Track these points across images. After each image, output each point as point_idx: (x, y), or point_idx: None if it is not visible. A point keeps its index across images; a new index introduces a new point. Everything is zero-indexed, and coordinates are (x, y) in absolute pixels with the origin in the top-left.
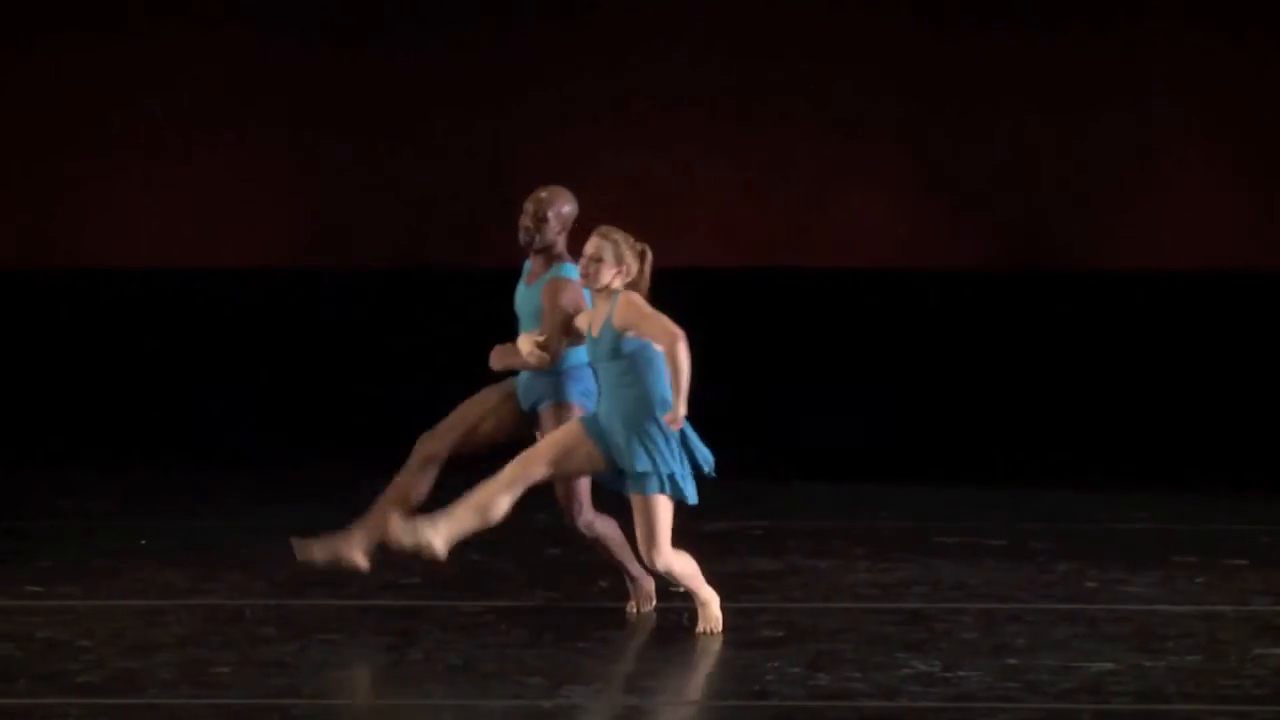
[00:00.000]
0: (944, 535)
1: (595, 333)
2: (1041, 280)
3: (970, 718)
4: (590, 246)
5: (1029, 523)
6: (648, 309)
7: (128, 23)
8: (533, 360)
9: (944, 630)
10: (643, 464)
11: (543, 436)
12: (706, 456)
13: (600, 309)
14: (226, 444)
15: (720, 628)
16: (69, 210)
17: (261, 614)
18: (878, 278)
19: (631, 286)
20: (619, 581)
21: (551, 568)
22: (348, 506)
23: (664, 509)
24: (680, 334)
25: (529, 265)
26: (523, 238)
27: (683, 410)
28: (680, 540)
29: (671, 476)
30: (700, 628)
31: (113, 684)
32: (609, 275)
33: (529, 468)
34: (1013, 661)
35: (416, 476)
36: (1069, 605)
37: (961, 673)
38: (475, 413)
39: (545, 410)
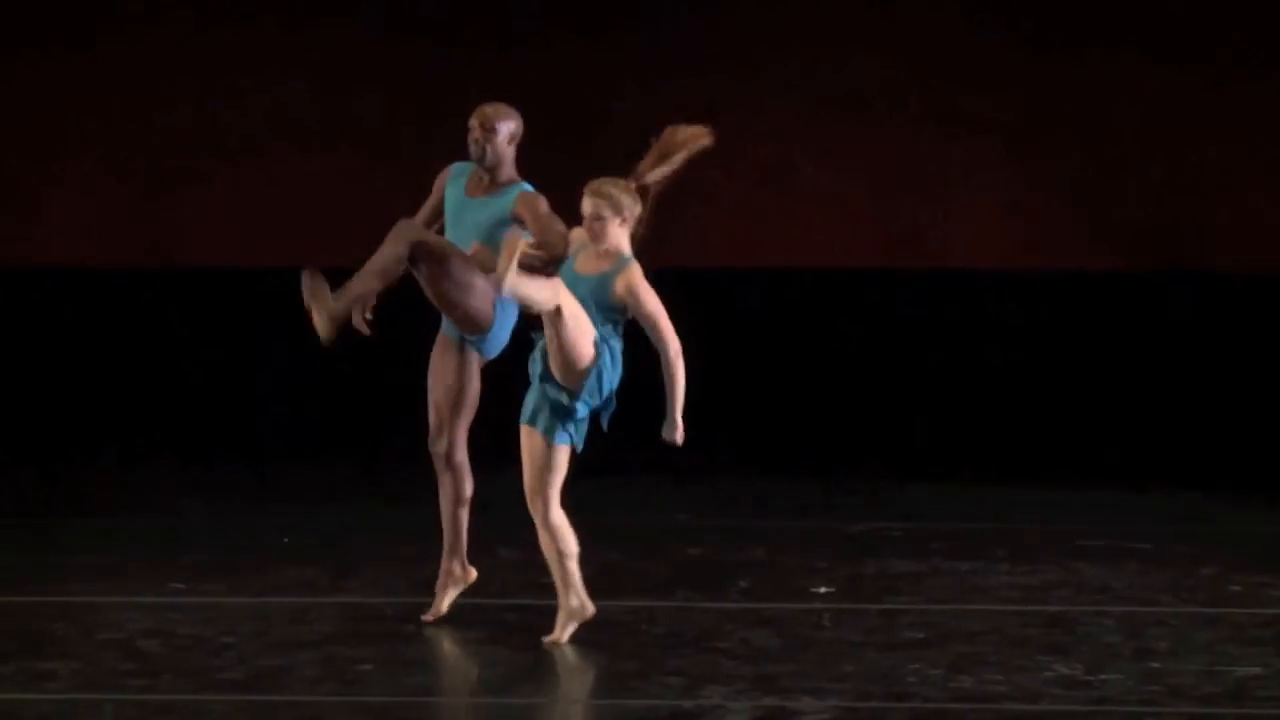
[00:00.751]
0: (1086, 538)
1: (588, 272)
2: (1168, 280)
3: None
4: (587, 206)
5: (1172, 525)
6: (655, 305)
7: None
8: (539, 260)
9: (1086, 633)
10: (535, 404)
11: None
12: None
13: (602, 259)
14: (363, 442)
15: (566, 639)
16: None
17: (403, 612)
18: (1001, 278)
19: (637, 230)
20: (761, 581)
21: (691, 567)
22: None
23: (554, 458)
24: (680, 349)
25: (466, 172)
26: (473, 152)
27: (680, 423)
28: (820, 539)
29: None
30: (552, 635)
31: (255, 681)
32: (616, 229)
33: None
34: (1155, 665)
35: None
36: (1212, 609)
37: (1103, 676)
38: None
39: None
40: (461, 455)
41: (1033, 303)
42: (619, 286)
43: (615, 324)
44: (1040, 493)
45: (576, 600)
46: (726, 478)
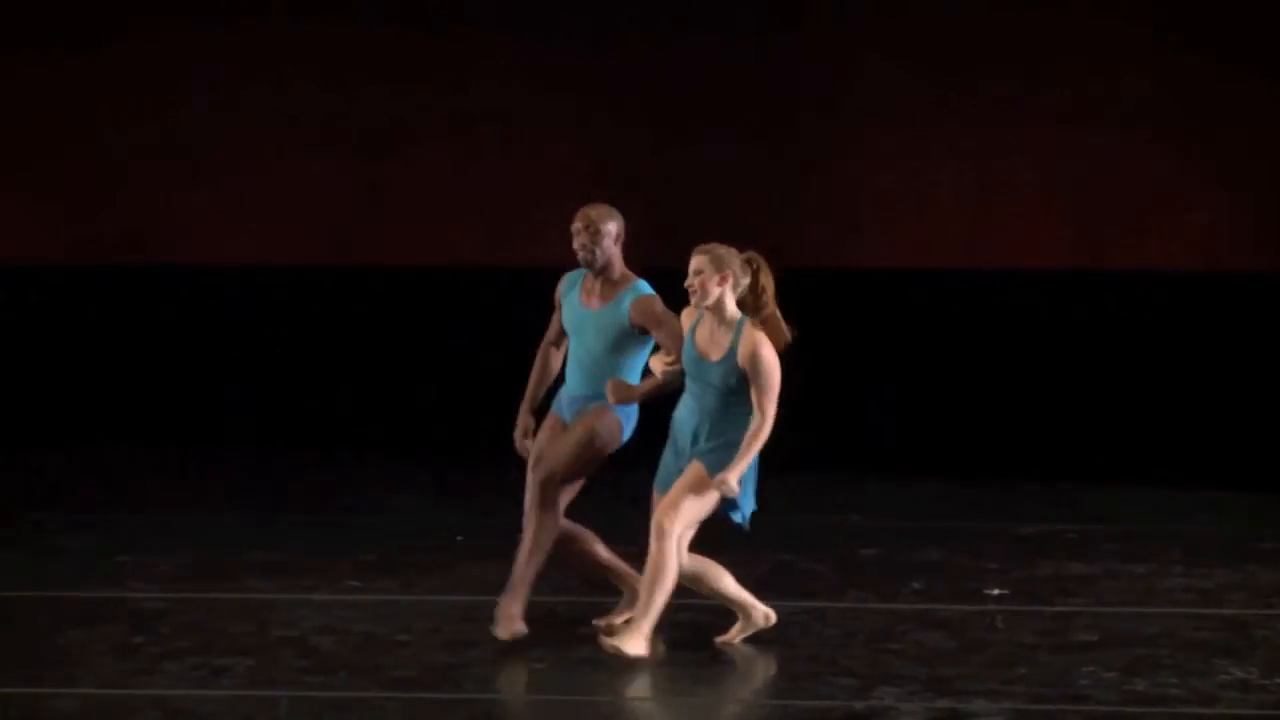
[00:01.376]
0: (1262, 541)
1: (711, 357)
2: None
3: None
4: (692, 263)
5: None
6: (774, 375)
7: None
8: (668, 378)
9: (1263, 637)
10: (711, 452)
11: (557, 435)
12: (747, 511)
13: (718, 333)
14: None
15: (622, 653)
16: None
17: (575, 611)
18: (1174, 280)
19: (748, 301)
20: (934, 582)
21: (865, 568)
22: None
23: (707, 494)
24: (771, 421)
25: (579, 283)
26: (582, 258)
27: (734, 476)
28: (993, 541)
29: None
30: (605, 642)
31: (429, 678)
32: (714, 287)
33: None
34: None
35: (577, 540)
36: None
37: (1279, 680)
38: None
39: (591, 410)
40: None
41: (1213, 305)
42: (743, 359)
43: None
44: (1215, 495)
45: (654, 614)
46: (901, 479)
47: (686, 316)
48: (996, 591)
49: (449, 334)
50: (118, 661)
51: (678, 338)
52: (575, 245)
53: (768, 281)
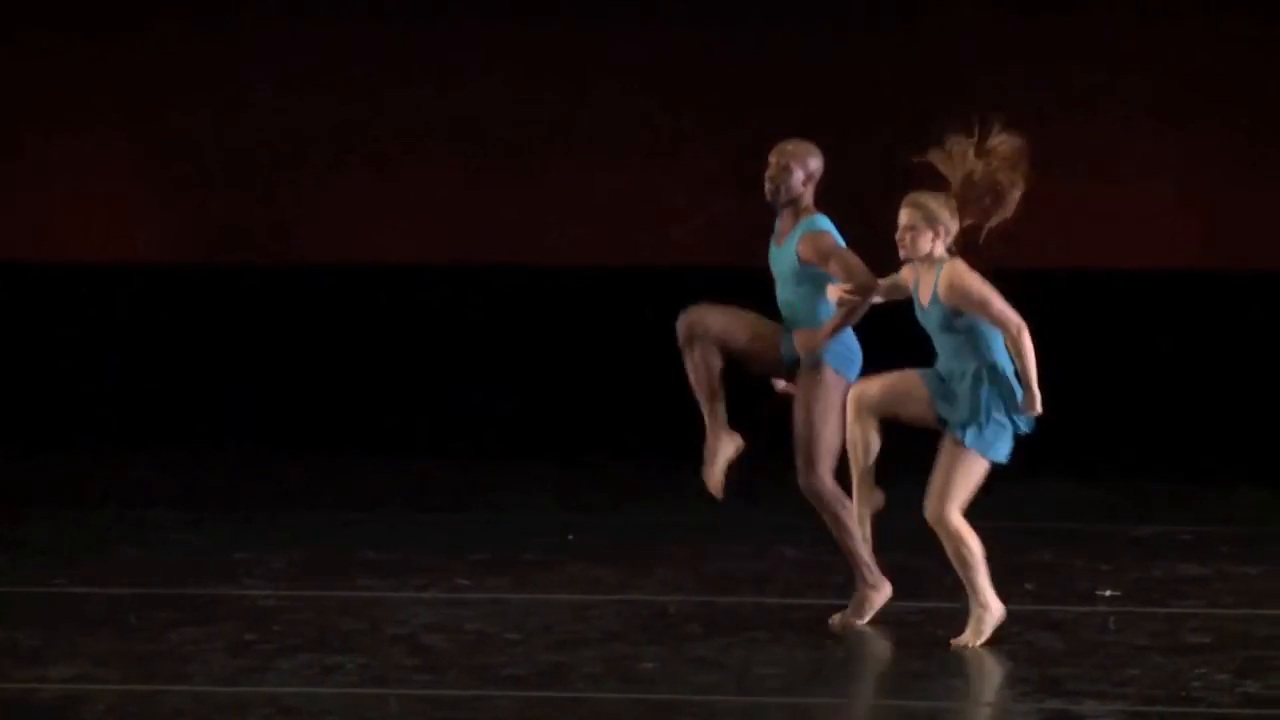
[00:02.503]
0: None
1: (924, 303)
2: None
3: None
4: (903, 216)
5: None
6: (981, 291)
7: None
8: (855, 298)
9: None
10: (966, 417)
11: (795, 395)
12: (1028, 421)
13: (926, 278)
14: (659, 440)
15: (981, 642)
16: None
17: (687, 611)
18: None
19: (972, 240)
20: (1046, 584)
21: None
22: (773, 507)
23: (973, 466)
24: (1022, 324)
25: (777, 225)
26: (768, 190)
27: (1037, 397)
28: (1108, 544)
29: (986, 435)
30: (961, 639)
31: (539, 677)
32: (926, 243)
33: (862, 400)
34: None
35: (707, 353)
36: None
37: None
38: (749, 326)
39: (803, 374)
40: (823, 485)
41: None
42: (945, 297)
43: (980, 335)
44: None
45: (986, 596)
46: (1015, 480)
47: (908, 272)
48: (1109, 593)
49: (567, 333)
50: (231, 659)
51: (852, 268)
52: (765, 176)
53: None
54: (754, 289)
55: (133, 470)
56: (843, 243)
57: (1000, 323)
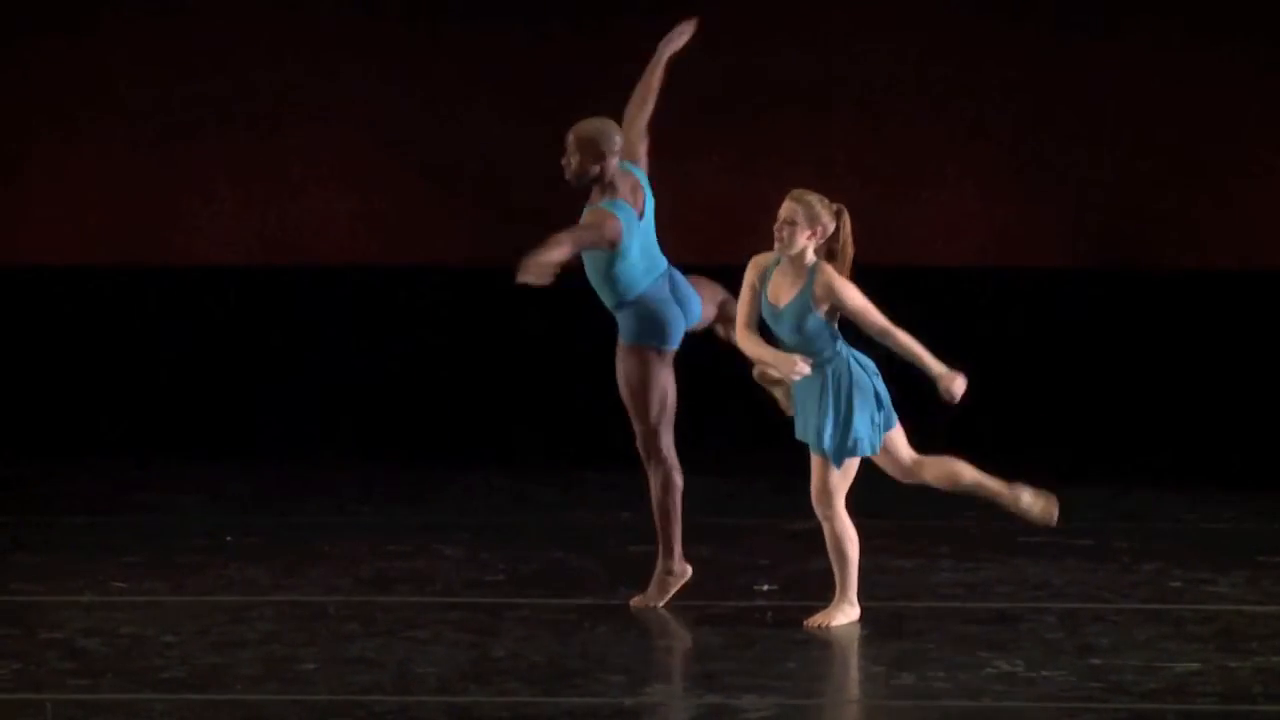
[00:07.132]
0: (1027, 535)
1: (780, 302)
2: (1135, 280)
3: (1054, 718)
4: (783, 210)
5: (1114, 522)
6: (858, 296)
7: None
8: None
9: (1028, 630)
10: (817, 433)
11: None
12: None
13: (787, 278)
14: (314, 442)
15: (829, 627)
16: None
17: (346, 611)
18: None
19: (831, 250)
20: (703, 579)
21: (636, 565)
22: (432, 507)
23: (846, 466)
24: (889, 325)
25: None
26: (567, 173)
27: (951, 373)
28: (765, 539)
29: (846, 443)
30: (818, 618)
31: (197, 680)
32: (803, 238)
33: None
34: (1096, 661)
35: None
36: (1154, 605)
37: (1045, 673)
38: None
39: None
40: (663, 452)
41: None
42: (820, 291)
43: (834, 335)
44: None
45: (851, 594)
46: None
47: (758, 261)
48: (766, 587)
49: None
50: None
51: (576, 241)
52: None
53: (848, 233)
54: None
55: None
56: (617, 236)
57: (874, 322)
